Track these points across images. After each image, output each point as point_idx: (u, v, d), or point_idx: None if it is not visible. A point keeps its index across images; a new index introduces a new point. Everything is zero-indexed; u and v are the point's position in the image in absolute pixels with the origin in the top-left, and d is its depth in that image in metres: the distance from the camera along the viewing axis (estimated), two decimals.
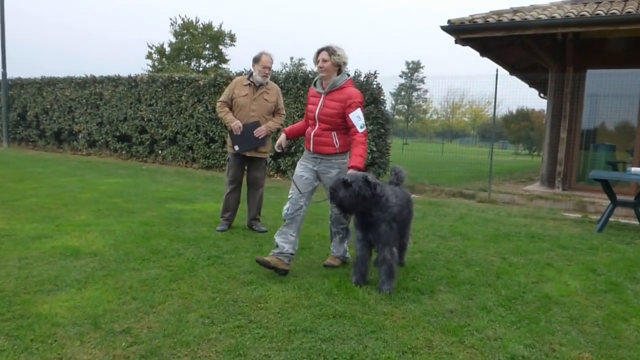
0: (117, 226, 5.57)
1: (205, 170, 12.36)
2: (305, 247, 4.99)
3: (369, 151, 10.15)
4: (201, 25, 37.66)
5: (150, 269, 4.08)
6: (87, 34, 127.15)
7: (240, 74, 12.01)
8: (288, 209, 4.13)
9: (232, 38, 38.63)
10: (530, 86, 15.28)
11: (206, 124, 12.51)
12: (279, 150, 4.40)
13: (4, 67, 17.36)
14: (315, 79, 4.24)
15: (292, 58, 70.03)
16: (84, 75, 15.59)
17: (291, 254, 4.05)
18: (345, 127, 4.09)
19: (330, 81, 4.08)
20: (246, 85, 5.51)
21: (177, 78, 13.33)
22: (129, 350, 2.71)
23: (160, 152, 13.70)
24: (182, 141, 13.14)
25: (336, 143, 4.11)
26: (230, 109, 5.54)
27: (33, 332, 2.87)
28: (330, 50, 4.03)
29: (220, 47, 38.61)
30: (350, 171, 3.91)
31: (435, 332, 3.08)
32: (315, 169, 4.23)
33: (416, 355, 2.76)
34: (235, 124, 5.38)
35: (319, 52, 4.08)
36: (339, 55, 4.04)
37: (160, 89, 13.50)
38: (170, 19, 40.18)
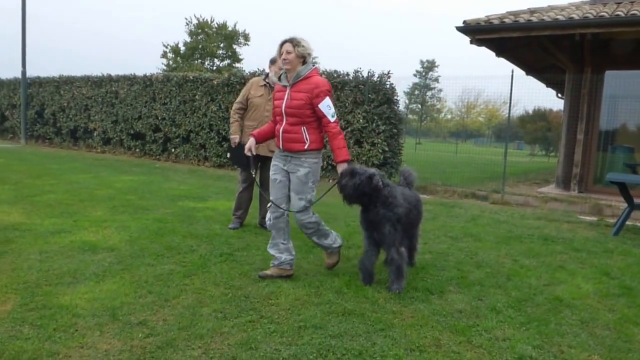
0: (132, 222, 5.67)
1: (217, 169, 12.47)
2: (316, 246, 5.04)
3: (380, 151, 10.18)
4: (216, 25, 37.90)
5: (165, 265, 4.18)
6: (87, 34, 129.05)
7: (254, 73, 12.13)
8: (270, 219, 4.02)
9: (246, 37, 38.80)
10: (547, 86, 15.18)
11: (219, 122, 12.62)
12: (249, 154, 4.11)
13: (23, 66, 17.66)
14: (279, 75, 4.07)
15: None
16: (101, 74, 15.81)
17: (290, 259, 3.99)
18: (315, 120, 3.91)
19: (295, 72, 3.90)
20: (262, 86, 5.59)
21: (191, 77, 13.46)
22: (145, 341, 2.80)
23: (173, 150, 13.84)
24: (195, 140, 13.27)
25: (306, 139, 3.88)
26: (246, 109, 5.64)
27: (55, 322, 2.99)
28: (294, 41, 3.86)
29: (234, 46, 38.80)
30: (340, 166, 3.85)
31: (443, 331, 3.11)
32: (285, 168, 4.01)
33: (424, 354, 2.80)
34: (233, 139, 5.64)
35: (282, 43, 3.91)
36: (303, 46, 3.87)
37: (174, 88, 13.64)
38: (186, 19, 40.53)
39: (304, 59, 3.90)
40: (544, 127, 37.70)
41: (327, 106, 3.84)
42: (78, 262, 4.12)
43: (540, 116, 37.93)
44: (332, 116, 3.87)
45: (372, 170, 3.79)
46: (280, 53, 3.91)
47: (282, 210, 3.98)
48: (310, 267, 4.31)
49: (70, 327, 2.93)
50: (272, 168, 4.09)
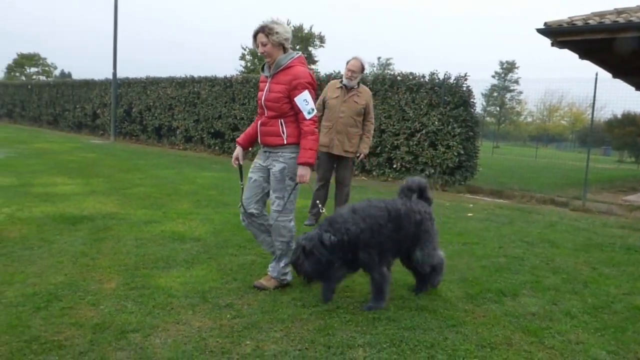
0: (215, 216, 6.05)
1: None
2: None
3: (456, 154, 10.10)
4: (292, 28, 38.73)
5: (247, 255, 4.48)
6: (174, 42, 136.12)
7: (329, 75, 12.41)
8: (243, 220, 3.83)
9: (322, 40, 39.38)
10: (637, 89, 14.38)
11: None
12: (235, 165, 3.91)
13: (114, 67, 18.94)
14: (262, 64, 3.75)
15: (379, 58, 69.94)
16: (184, 76, 16.71)
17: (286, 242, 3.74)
18: (295, 114, 3.58)
19: (275, 62, 3.57)
20: (338, 87, 5.79)
21: None
22: (233, 321, 3.09)
23: (250, 149, 14.33)
24: None
25: (283, 133, 3.57)
26: (323, 112, 5.88)
27: (154, 300, 3.35)
28: (266, 30, 3.47)
29: (310, 48, 39.48)
30: (301, 168, 3.54)
31: (515, 331, 3.16)
32: (265, 164, 3.73)
33: (495, 351, 2.87)
34: None
35: (255, 35, 3.53)
36: (277, 33, 3.48)
37: (253, 89, 14.17)
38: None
39: (282, 46, 3.57)
40: (634, 132, 35.32)
41: (303, 100, 3.50)
42: (169, 250, 4.52)
43: (630, 121, 35.56)
44: (309, 113, 3.51)
45: (313, 232, 3.33)
46: (256, 46, 3.59)
47: (252, 210, 3.75)
48: None
49: (167, 306, 3.27)
50: (252, 166, 3.83)
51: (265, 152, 3.75)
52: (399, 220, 3.46)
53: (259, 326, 3.02)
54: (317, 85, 3.73)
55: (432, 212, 3.73)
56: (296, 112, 3.55)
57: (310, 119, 3.52)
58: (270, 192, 3.70)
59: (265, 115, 3.64)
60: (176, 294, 3.46)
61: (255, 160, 3.83)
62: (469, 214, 7.43)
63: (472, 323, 3.23)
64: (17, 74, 53.51)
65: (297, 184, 3.64)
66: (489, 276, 4.27)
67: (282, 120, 3.58)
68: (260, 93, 3.69)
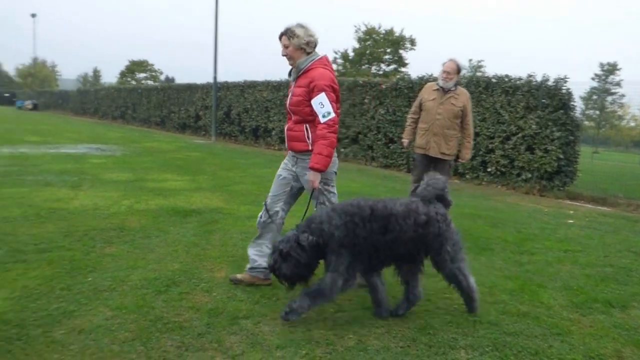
0: (313, 213, 6.25)
1: (384, 169, 12.87)
2: (486, 248, 5.11)
3: (554, 159, 9.68)
4: (383, 31, 38.73)
5: None
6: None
7: (421, 77, 12.35)
8: (261, 217, 3.74)
9: (413, 42, 39.02)
10: None
11: (386, 125, 13.03)
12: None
13: (215, 71, 19.99)
14: (290, 69, 3.68)
15: (470, 60, 67.86)
16: (279, 79, 17.29)
17: (266, 268, 3.60)
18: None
19: (296, 66, 3.57)
20: (435, 90, 5.78)
21: (361, 82, 14.09)
22: (335, 315, 3.25)
23: (342, 150, 14.59)
24: (363, 141, 13.84)
25: (308, 138, 3.52)
26: (419, 115, 5.91)
27: (260, 291, 3.62)
28: (288, 33, 3.50)
29: (401, 51, 39.26)
30: (310, 174, 3.43)
31: (626, 344, 3.05)
32: (294, 169, 3.69)
33: None
34: (402, 141, 6.16)
35: (280, 37, 3.58)
36: (297, 36, 3.48)
37: (345, 92, 14.36)
38: (355, 26, 41.87)
39: (304, 50, 3.54)
40: None
41: (318, 103, 3.39)
42: None
43: None
44: (324, 116, 3.39)
45: (290, 233, 3.13)
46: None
47: (276, 209, 3.71)
48: (482, 268, 4.42)
49: (272, 296, 3.52)
50: (281, 164, 3.82)
51: (293, 156, 3.72)
52: (386, 220, 3.09)
53: (360, 321, 3.15)
54: (339, 88, 3.62)
55: (448, 215, 3.32)
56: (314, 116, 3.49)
57: (324, 123, 3.40)
58: (311, 200, 3.68)
59: (292, 120, 3.64)
60: (280, 286, 3.61)
61: (285, 160, 3.83)
62: (570, 221, 7.11)
63: (579, 333, 3.16)
64: (129, 79, 57.76)
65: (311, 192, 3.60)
66: (595, 285, 4.11)
67: (307, 125, 3.54)
68: (287, 98, 3.70)
